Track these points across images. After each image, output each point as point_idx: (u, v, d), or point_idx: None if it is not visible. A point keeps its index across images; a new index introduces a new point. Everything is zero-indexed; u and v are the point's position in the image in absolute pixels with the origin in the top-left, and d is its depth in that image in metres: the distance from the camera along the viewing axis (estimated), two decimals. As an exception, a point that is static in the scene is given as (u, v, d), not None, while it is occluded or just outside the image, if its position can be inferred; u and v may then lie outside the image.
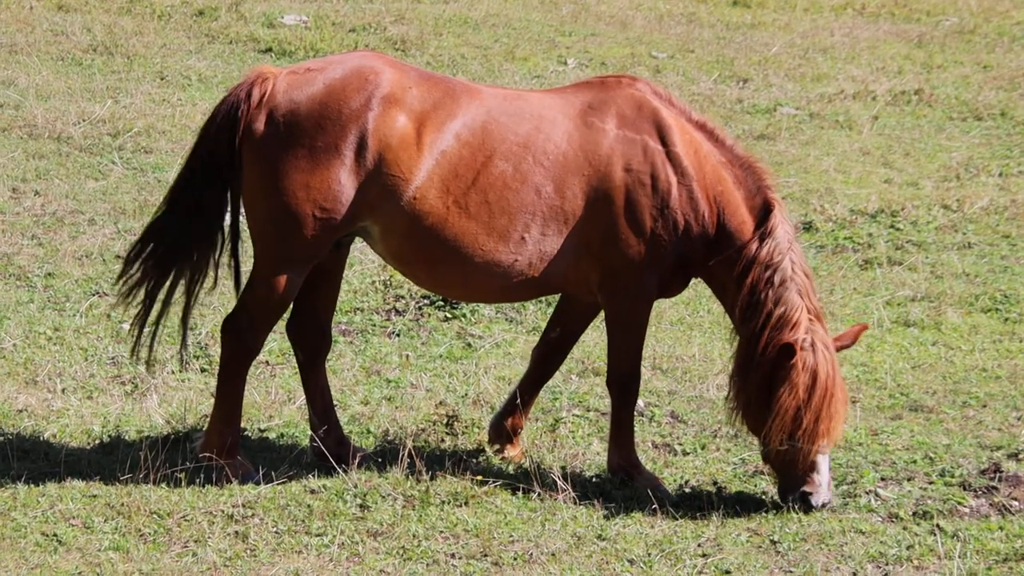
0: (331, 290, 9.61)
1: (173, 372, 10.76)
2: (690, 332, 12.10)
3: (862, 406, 10.81)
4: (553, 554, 8.70)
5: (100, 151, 15.00)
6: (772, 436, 9.16)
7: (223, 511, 8.91)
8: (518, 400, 9.73)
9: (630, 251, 9.27)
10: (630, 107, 9.34)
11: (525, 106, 9.32)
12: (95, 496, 9.02)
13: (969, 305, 12.72)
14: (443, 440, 9.95)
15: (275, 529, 8.80)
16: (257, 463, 9.43)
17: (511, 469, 9.64)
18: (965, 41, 21.51)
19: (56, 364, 10.78)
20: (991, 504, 9.39)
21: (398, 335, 11.75)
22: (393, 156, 9.04)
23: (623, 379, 9.52)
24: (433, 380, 10.98)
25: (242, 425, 9.61)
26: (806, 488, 9.23)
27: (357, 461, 9.45)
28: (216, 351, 10.56)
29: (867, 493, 9.48)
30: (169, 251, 9.34)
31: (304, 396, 9.75)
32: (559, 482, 9.27)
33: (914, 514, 9.24)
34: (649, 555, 8.73)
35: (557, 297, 9.93)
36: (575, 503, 9.20)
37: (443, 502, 9.11)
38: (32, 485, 9.10)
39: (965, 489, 9.55)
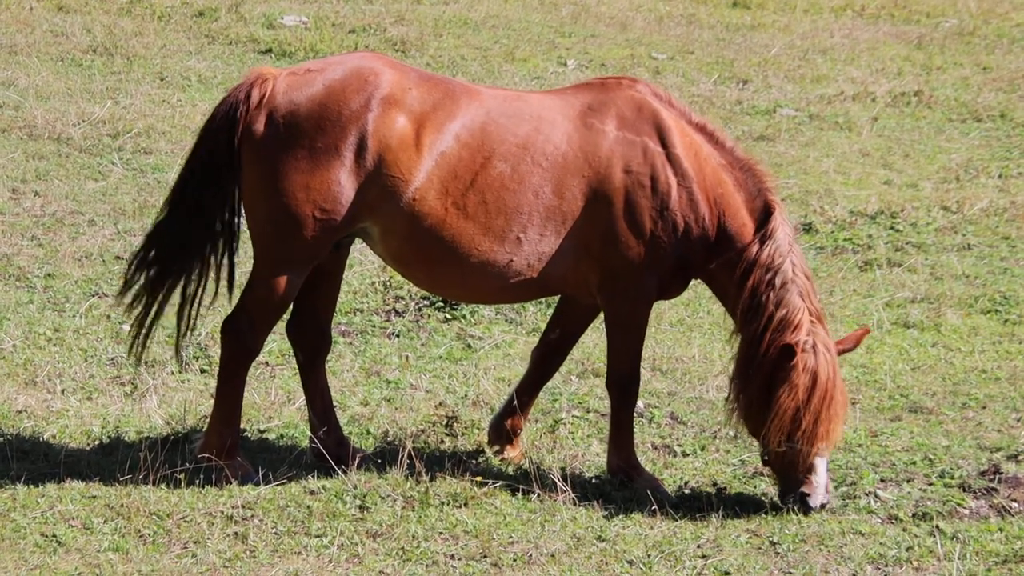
0: (331, 291, 9.61)
1: (173, 373, 10.76)
2: (690, 333, 12.09)
3: (862, 407, 10.80)
4: (552, 555, 8.70)
5: (100, 152, 15.00)
6: (771, 437, 9.16)
7: (223, 512, 8.91)
8: (517, 401, 9.73)
9: (630, 253, 9.26)
10: (630, 109, 9.33)
11: (524, 107, 9.31)
12: (95, 497, 9.01)
13: (969, 307, 12.71)
14: (443, 441, 9.94)
15: (274, 530, 8.80)
16: (257, 464, 9.43)
17: (511, 470, 9.64)
18: (965, 43, 21.50)
19: (56, 365, 10.77)
20: (991, 505, 9.38)
21: (398, 336, 11.74)
22: (393, 157, 9.04)
23: (623, 380, 9.52)
24: (433, 381, 10.98)
25: (242, 426, 9.60)
26: (804, 489, 9.23)
27: (357, 462, 9.44)
28: (216, 352, 10.56)
29: (867, 494, 9.47)
30: (170, 252, 9.34)
31: (304, 397, 9.75)
32: (559, 483, 9.26)
33: (914, 515, 9.23)
34: (649, 556, 8.73)
35: (556, 298, 9.93)
36: (575, 504, 9.20)
37: (443, 503, 9.10)
38: (32, 486, 9.09)
39: (965, 490, 9.54)
